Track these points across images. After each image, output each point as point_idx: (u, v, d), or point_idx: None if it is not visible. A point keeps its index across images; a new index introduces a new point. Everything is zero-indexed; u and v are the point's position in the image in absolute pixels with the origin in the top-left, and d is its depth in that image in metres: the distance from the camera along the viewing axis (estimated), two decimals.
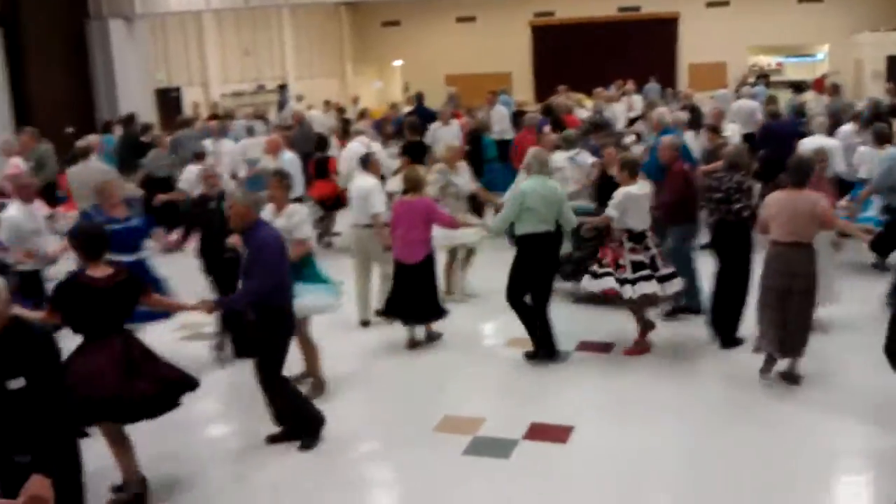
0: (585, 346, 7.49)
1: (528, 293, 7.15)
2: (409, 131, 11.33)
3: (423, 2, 25.38)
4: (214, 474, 5.61)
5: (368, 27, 28.50)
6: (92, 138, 11.78)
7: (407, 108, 16.95)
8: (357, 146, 10.88)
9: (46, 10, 17.21)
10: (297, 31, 25.83)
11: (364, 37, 28.76)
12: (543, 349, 7.19)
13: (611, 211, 7.09)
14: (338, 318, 7.50)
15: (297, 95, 22.02)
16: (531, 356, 7.21)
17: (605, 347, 7.47)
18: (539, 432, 5.90)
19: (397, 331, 7.75)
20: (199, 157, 10.80)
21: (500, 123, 14.12)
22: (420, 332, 7.79)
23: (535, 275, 7.10)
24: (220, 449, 5.99)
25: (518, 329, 7.39)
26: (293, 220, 6.56)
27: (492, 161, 11.91)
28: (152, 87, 20.03)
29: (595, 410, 6.28)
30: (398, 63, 28.26)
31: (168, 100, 20.98)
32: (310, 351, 6.72)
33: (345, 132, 13.40)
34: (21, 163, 10.75)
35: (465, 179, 9.08)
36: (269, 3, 18.66)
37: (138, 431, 5.20)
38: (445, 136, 11.95)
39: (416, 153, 9.77)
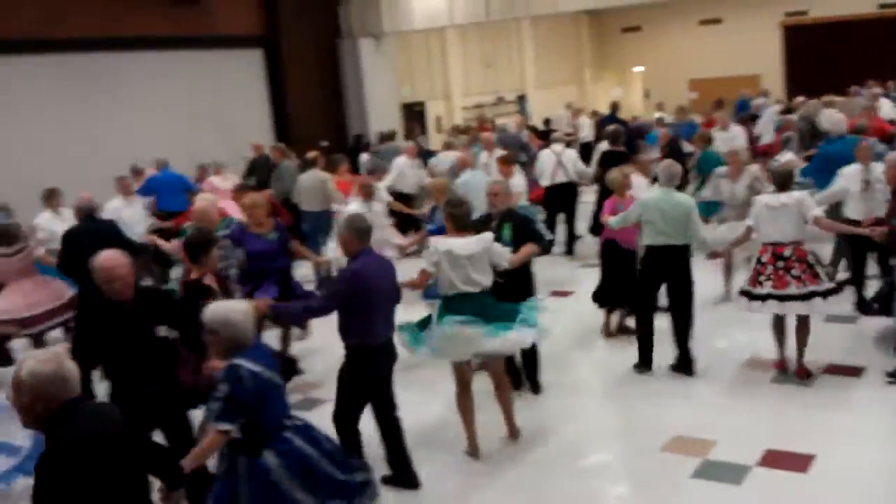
0: (834, 370, 6.99)
1: (654, 305, 7.24)
2: (610, 140, 11.20)
3: (664, 6, 24.77)
4: (444, 481, 5.77)
5: (608, 34, 28.24)
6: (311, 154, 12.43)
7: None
8: (549, 153, 11.59)
9: (303, 32, 18.50)
10: (536, 41, 26.06)
11: (604, 43, 28.52)
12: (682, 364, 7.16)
13: (748, 220, 6.96)
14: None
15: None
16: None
17: (853, 371, 6.94)
18: (775, 459, 5.55)
19: (633, 343, 7.60)
20: None
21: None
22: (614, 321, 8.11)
23: (656, 286, 7.16)
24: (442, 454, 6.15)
25: (762, 345, 7.07)
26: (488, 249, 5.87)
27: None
28: (399, 101, 20.96)
29: (839, 438, 5.84)
30: (639, 69, 27.79)
31: (413, 114, 21.85)
32: (503, 393, 6.13)
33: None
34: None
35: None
36: (510, 15, 18.94)
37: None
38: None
39: (614, 162, 9.59)
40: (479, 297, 5.71)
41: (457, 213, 5.81)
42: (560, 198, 11.50)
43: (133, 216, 10.34)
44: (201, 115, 16.49)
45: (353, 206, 9.34)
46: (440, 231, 6.37)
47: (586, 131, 17.99)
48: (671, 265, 7.03)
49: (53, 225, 9.37)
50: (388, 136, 15.92)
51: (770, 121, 14.38)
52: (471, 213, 5.95)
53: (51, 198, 9.86)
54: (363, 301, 5.17)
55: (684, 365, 7.14)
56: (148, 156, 12.96)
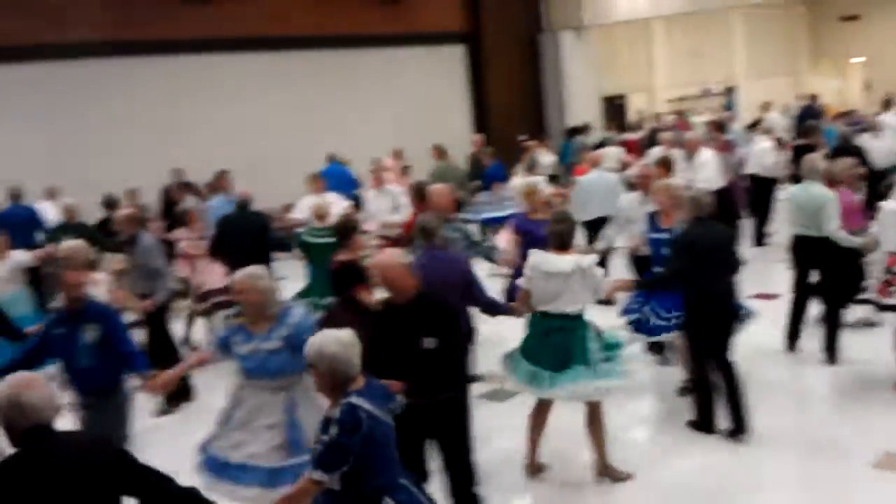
0: None
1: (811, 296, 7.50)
2: (802, 134, 10.78)
3: None
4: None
5: (825, 23, 26.56)
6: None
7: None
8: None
9: (504, 26, 18.64)
10: (748, 30, 24.93)
11: (820, 33, 26.86)
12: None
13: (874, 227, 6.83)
14: None
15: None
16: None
17: None
18: None
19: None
20: None
21: None
22: None
23: (803, 275, 7.45)
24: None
25: None
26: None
27: None
28: (599, 95, 20.71)
29: None
30: (858, 60, 25.99)
31: (613, 107, 21.52)
32: (594, 426, 5.69)
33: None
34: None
35: None
36: (721, 5, 18.24)
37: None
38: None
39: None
40: (567, 322, 5.42)
41: (558, 229, 5.53)
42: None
43: (381, 207, 10.34)
44: (403, 111, 16.99)
45: None
46: None
47: (782, 123, 16.63)
48: (814, 255, 7.26)
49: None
50: (577, 130, 15.71)
51: None
52: (573, 231, 5.61)
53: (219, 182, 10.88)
54: None
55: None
56: (352, 150, 13.57)
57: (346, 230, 6.83)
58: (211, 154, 13.48)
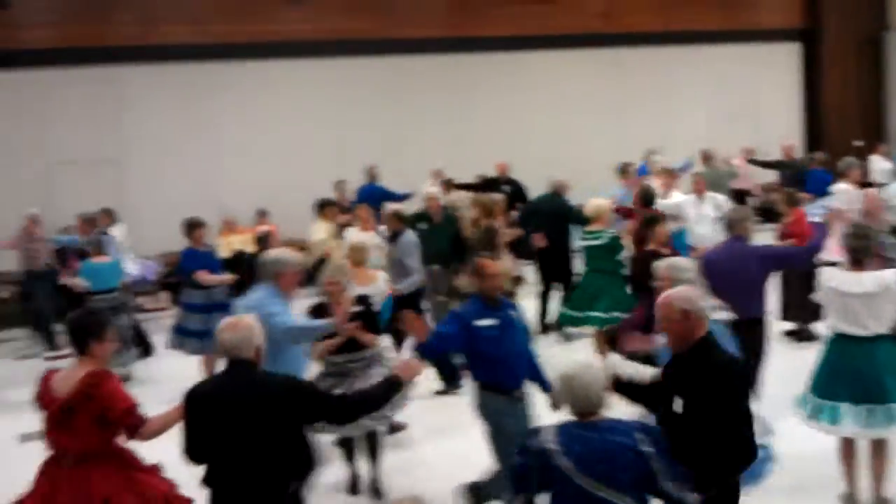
0: None
1: None
2: None
3: None
4: None
5: None
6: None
7: None
8: None
9: (845, 24, 17.57)
10: None
11: None
12: None
13: None
14: None
15: None
16: None
17: None
18: None
19: None
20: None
21: None
22: None
23: None
24: None
25: None
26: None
27: None
28: None
29: None
30: None
31: None
32: (879, 458, 5.31)
33: None
34: None
35: None
36: None
37: None
38: None
39: None
40: (869, 345, 5.06)
41: (854, 245, 5.18)
42: None
43: (700, 216, 9.72)
44: (728, 109, 16.73)
45: None
46: None
47: None
48: None
49: None
50: None
51: None
52: (870, 248, 5.20)
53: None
54: None
55: None
56: (672, 148, 13.67)
57: (649, 223, 7.26)
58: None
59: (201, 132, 13.81)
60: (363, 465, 6.24)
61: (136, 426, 4.13)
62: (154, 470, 4.49)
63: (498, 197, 10.80)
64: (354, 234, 9.15)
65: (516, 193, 12.43)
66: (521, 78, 15.65)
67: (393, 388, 4.17)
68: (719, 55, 16.80)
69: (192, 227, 8.66)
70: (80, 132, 13.14)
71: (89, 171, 13.05)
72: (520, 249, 9.96)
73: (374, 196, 12.17)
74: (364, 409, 4.21)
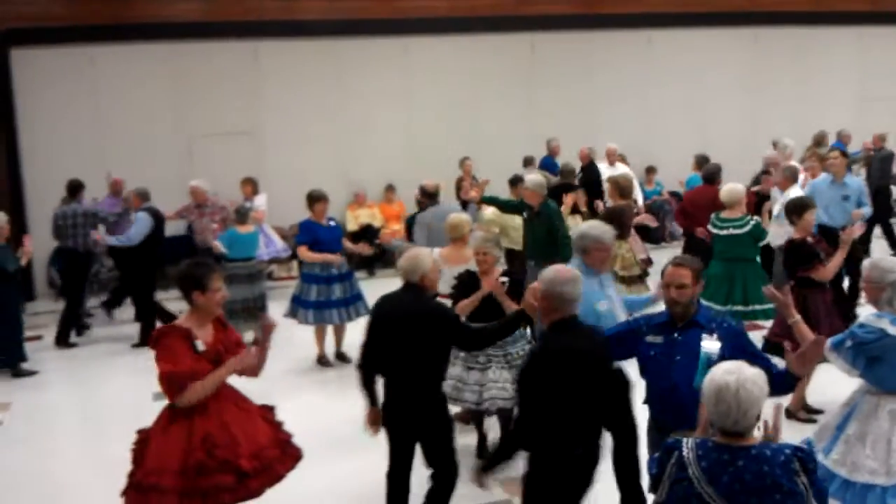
0: None
1: None
2: None
3: None
4: None
5: None
6: None
7: None
8: None
9: None
10: None
11: None
12: None
13: None
14: None
15: None
16: None
17: None
18: None
19: None
20: None
21: None
22: None
23: None
24: None
25: None
26: None
27: None
28: None
29: None
30: None
31: None
32: None
33: None
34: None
35: None
36: None
37: None
38: None
39: None
40: None
41: None
42: None
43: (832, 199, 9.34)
44: (873, 93, 15.90)
45: None
46: None
47: None
48: None
49: None
50: None
51: None
52: None
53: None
54: None
55: None
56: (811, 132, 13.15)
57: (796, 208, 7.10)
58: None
59: (335, 106, 14.03)
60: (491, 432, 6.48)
61: (169, 392, 4.28)
62: (263, 411, 4.64)
63: (631, 175, 10.50)
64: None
65: (591, 183, 12.11)
66: (653, 56, 15.26)
67: (517, 320, 4.80)
68: (866, 36, 15.95)
69: (313, 199, 8.78)
70: (220, 105, 13.55)
71: (227, 144, 13.46)
72: (649, 233, 9.68)
73: (551, 170, 12.24)
74: (491, 339, 5.07)
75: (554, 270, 4.20)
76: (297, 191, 11.51)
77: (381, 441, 5.07)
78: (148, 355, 4.56)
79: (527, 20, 14.50)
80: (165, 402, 4.43)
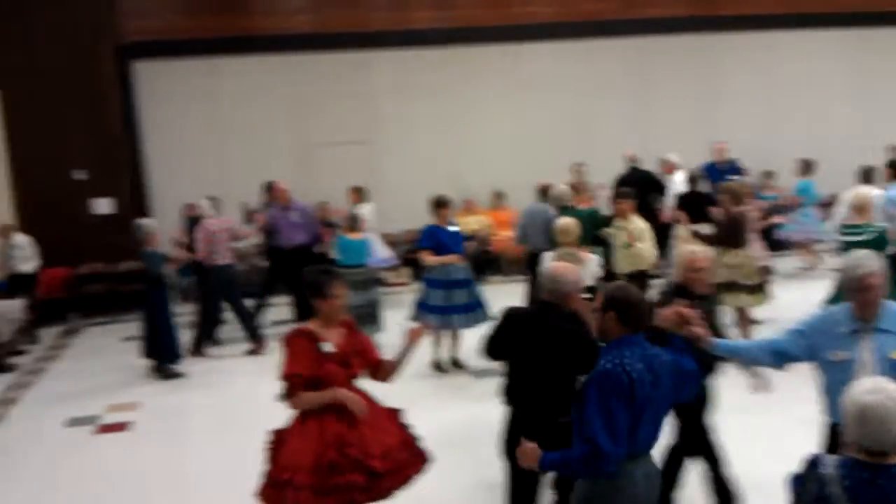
0: None
1: None
2: None
3: None
4: None
5: None
6: None
7: None
8: None
9: None
10: None
11: None
12: None
13: None
14: None
15: None
16: None
17: None
18: None
19: None
20: None
21: None
22: None
23: None
24: None
25: None
26: None
27: None
28: None
29: None
30: None
31: None
32: None
33: None
34: None
35: None
36: None
37: None
38: None
39: None
40: None
41: None
42: None
43: None
44: None
45: None
46: None
47: None
48: None
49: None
50: None
51: None
52: None
53: None
54: None
55: None
56: None
57: None
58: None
59: (445, 114, 14.16)
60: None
61: (286, 394, 4.46)
62: (391, 413, 4.74)
63: (746, 181, 10.25)
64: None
65: (646, 184, 11.83)
66: (768, 58, 14.84)
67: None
68: None
69: (438, 205, 8.91)
70: (335, 114, 13.85)
71: (341, 152, 13.74)
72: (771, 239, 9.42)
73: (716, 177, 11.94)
74: None
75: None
76: (409, 198, 11.66)
77: (494, 452, 5.08)
78: (272, 357, 4.69)
79: (636, 23, 14.32)
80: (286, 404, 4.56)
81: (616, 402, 3.51)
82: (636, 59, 14.66)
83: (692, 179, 11.14)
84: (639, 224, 9.03)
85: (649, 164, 12.70)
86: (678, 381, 3.79)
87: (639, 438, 3.65)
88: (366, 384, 4.76)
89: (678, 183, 11.92)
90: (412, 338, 4.73)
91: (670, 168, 12.47)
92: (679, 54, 14.69)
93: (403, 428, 4.73)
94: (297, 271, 5.52)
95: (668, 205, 11.64)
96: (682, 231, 10.47)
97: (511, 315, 4.87)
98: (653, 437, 3.77)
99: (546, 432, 4.19)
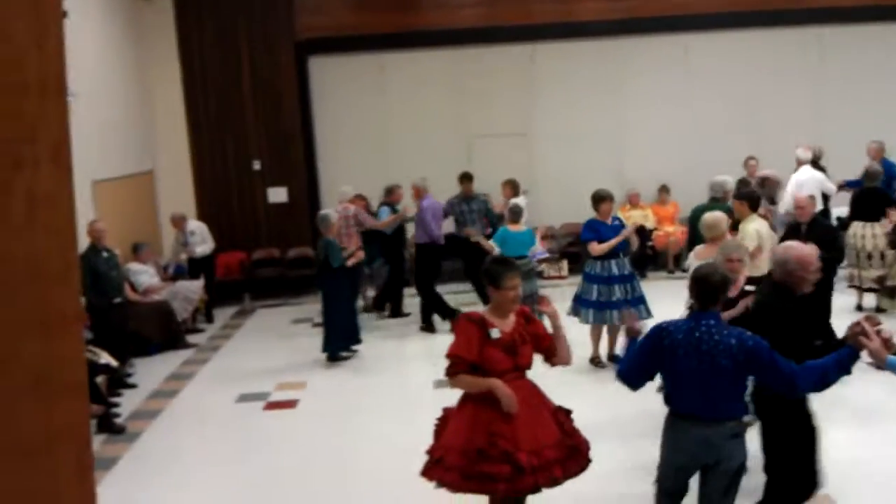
0: None
1: None
2: None
3: None
4: None
5: None
6: None
7: None
8: None
9: None
10: None
11: None
12: None
13: None
14: None
15: None
16: None
17: None
18: None
19: None
20: None
21: None
22: None
23: None
24: None
25: None
26: None
27: None
28: None
29: None
30: None
31: None
32: None
33: None
34: None
35: None
36: None
37: None
38: None
39: None
40: None
41: None
42: None
43: None
44: None
45: None
46: None
47: None
48: None
49: None
50: None
51: None
52: None
53: None
54: None
55: None
56: None
57: None
58: None
59: (609, 106, 14.00)
60: None
61: (447, 371, 4.58)
62: (557, 412, 4.73)
63: None
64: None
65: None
66: None
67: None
68: None
69: (599, 199, 8.86)
70: (497, 107, 13.96)
71: (502, 144, 13.83)
72: None
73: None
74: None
75: None
76: (570, 191, 11.57)
77: (650, 448, 4.99)
78: (433, 342, 4.81)
79: (812, 13, 13.67)
80: (445, 389, 4.67)
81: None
82: (812, 49, 14.01)
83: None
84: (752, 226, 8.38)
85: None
86: (749, 367, 4.18)
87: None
88: (540, 378, 4.79)
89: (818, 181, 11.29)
90: (544, 310, 4.76)
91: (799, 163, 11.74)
92: (858, 44, 13.91)
93: (566, 429, 4.67)
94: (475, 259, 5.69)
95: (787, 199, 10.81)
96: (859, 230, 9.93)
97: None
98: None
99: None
